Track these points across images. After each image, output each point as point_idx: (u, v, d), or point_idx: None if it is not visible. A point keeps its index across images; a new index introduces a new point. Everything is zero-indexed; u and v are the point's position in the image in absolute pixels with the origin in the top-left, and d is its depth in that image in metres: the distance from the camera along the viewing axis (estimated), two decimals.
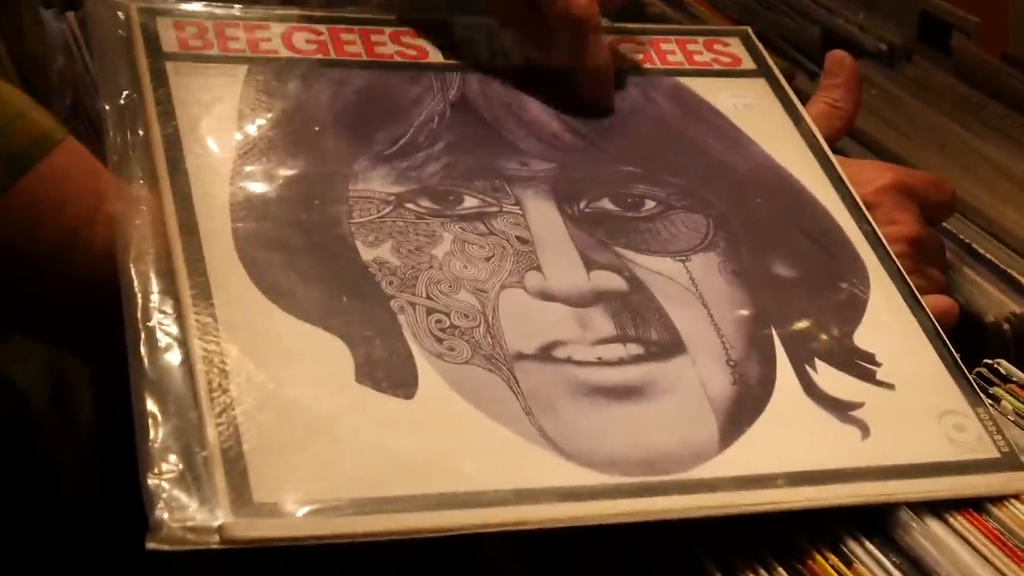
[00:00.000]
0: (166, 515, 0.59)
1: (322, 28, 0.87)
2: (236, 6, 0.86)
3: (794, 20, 1.17)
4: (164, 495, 0.60)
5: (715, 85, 0.91)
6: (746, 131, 0.88)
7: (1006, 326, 0.87)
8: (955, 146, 1.04)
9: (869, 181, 0.86)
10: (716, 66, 0.93)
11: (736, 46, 0.95)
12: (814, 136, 0.88)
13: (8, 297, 0.73)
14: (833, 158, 0.87)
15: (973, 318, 0.88)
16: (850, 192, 0.84)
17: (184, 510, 0.59)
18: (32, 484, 0.89)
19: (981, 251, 0.93)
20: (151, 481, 0.60)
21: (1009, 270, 0.91)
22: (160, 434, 0.62)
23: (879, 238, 0.82)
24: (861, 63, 1.08)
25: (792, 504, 0.67)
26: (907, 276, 0.81)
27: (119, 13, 0.83)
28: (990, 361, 0.80)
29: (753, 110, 0.90)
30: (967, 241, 0.93)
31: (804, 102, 0.92)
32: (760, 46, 0.95)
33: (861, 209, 0.84)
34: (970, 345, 0.80)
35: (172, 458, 0.61)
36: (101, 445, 0.92)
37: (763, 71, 0.93)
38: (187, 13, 0.84)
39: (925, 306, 0.79)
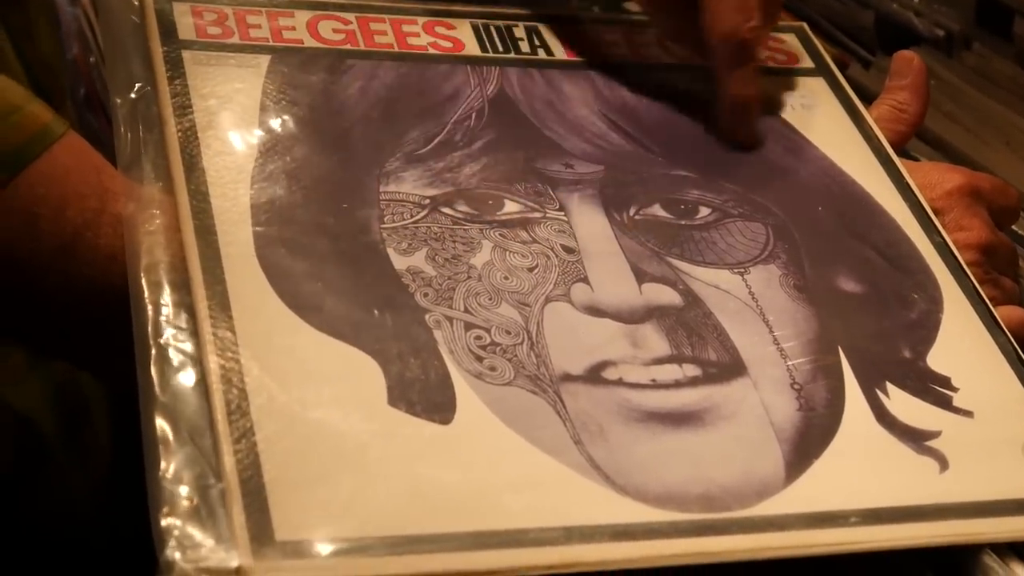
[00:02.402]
0: (178, 555, 0.53)
1: (350, 17, 0.81)
2: None
3: (845, 4, 1.10)
4: (176, 532, 0.54)
5: (772, 84, 0.85)
6: (805, 133, 0.82)
7: None
8: (1021, 141, 0.98)
9: (936, 184, 0.81)
10: (772, 64, 0.87)
11: (792, 42, 0.89)
12: (878, 139, 0.82)
13: (7, 304, 0.67)
14: (899, 163, 0.81)
15: None
16: (919, 200, 0.78)
17: (198, 549, 0.54)
18: (40, 511, 0.84)
19: None
20: (161, 517, 0.54)
21: None
22: (172, 463, 0.56)
23: (951, 251, 0.76)
24: (917, 52, 1.02)
25: (867, 545, 0.61)
26: (979, 287, 0.75)
27: None
28: None
29: (812, 111, 0.84)
30: None
31: (858, 93, 0.86)
32: (818, 43, 0.89)
33: (931, 219, 0.78)
34: None
35: (185, 490, 0.55)
36: (118, 469, 0.87)
37: (822, 69, 0.87)
38: None
39: (1002, 325, 0.73)
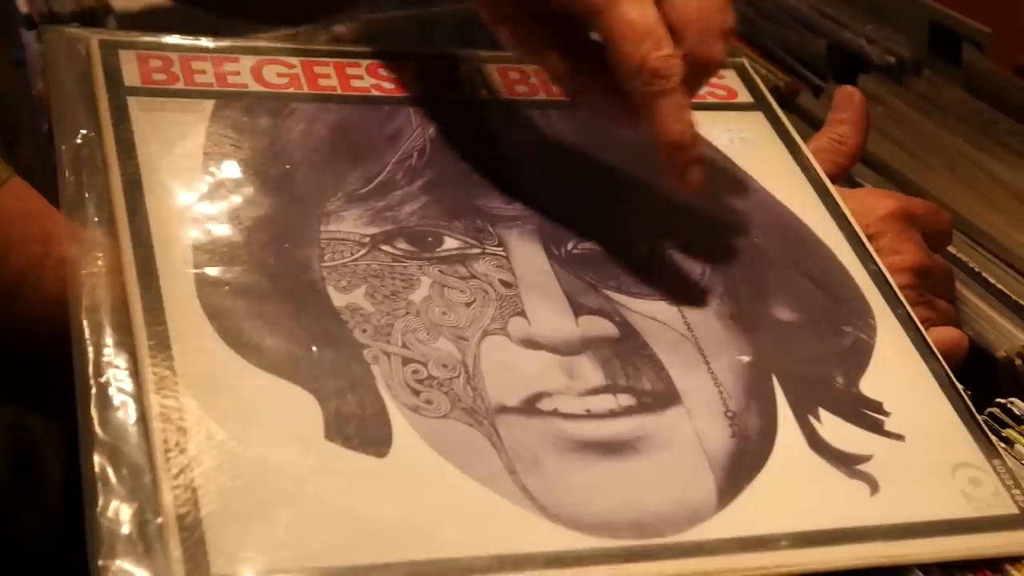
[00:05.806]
0: None
1: (294, 61, 0.82)
2: (204, 38, 0.82)
3: (798, 33, 1.12)
4: (113, 568, 0.55)
5: (710, 119, 0.86)
6: (743, 166, 0.84)
7: (1019, 362, 0.83)
8: (966, 167, 1.00)
9: (870, 210, 0.82)
10: (711, 99, 0.88)
11: (732, 79, 0.91)
12: (815, 171, 0.84)
13: None
14: (835, 193, 0.83)
15: (983, 353, 0.84)
16: (854, 230, 0.80)
17: None
18: None
19: (993, 280, 0.89)
20: (99, 554, 0.55)
21: (1023, 301, 0.86)
22: (111, 500, 0.57)
23: (885, 279, 0.78)
24: (868, 79, 1.04)
25: (797, 567, 0.63)
26: (912, 309, 0.76)
27: (79, 47, 0.78)
28: (1002, 400, 0.76)
29: (750, 144, 0.86)
30: (977, 269, 0.89)
31: (808, 121, 0.88)
32: (757, 79, 0.91)
33: (866, 247, 0.79)
34: (980, 382, 0.76)
35: (124, 527, 0.57)
36: (71, 509, 0.88)
37: (760, 104, 0.89)
38: (152, 45, 0.80)
39: (936, 352, 0.74)
